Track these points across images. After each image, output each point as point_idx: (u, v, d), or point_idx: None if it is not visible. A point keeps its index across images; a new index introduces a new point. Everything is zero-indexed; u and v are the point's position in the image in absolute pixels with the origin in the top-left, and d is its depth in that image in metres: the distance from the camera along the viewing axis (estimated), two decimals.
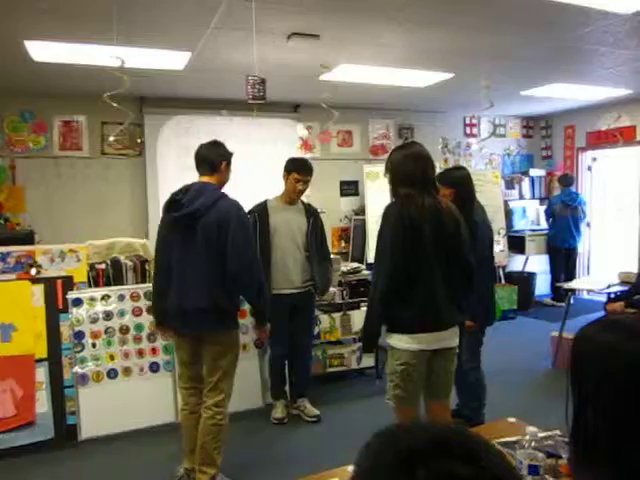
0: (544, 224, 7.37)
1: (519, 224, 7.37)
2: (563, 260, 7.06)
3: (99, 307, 3.62)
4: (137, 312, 3.67)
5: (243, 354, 3.90)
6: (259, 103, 3.45)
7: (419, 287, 2.41)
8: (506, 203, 7.23)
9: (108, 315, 3.63)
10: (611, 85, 5.74)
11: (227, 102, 5.88)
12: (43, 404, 3.46)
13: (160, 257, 2.84)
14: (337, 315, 4.37)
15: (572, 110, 7.35)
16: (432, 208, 2.43)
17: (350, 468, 0.66)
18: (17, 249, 3.61)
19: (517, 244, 7.15)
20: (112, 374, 3.60)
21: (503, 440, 1.67)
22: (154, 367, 3.70)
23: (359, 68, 4.71)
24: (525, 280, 7.07)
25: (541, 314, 6.71)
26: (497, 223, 6.68)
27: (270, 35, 3.74)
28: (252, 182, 5.81)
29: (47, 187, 5.60)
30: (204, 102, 5.97)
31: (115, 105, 3.63)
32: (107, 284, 3.84)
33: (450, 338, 2.52)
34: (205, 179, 2.85)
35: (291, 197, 3.70)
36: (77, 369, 3.54)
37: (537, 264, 7.38)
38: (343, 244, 6.88)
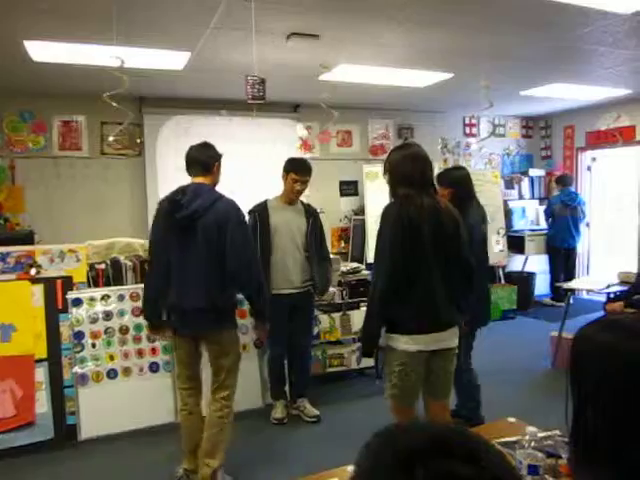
0: (543, 224, 7.37)
1: (518, 224, 7.38)
2: (562, 260, 7.06)
3: (99, 307, 3.62)
4: (137, 312, 3.66)
5: (243, 354, 3.88)
6: (259, 103, 3.45)
7: (418, 287, 2.41)
8: (505, 203, 7.23)
9: (108, 315, 3.63)
10: (610, 85, 5.74)
11: (227, 102, 5.88)
12: (43, 404, 3.46)
13: (158, 257, 2.83)
14: (337, 315, 4.37)
15: (572, 110, 7.35)
16: (431, 208, 2.43)
17: (350, 468, 0.66)
18: (17, 249, 3.61)
19: (517, 244, 7.15)
20: (112, 374, 3.60)
21: (503, 440, 1.67)
22: (154, 367, 3.70)
23: (359, 68, 4.71)
24: (525, 280, 7.07)
25: (540, 314, 6.71)
26: (497, 223, 6.70)
27: (269, 35, 3.74)
28: (252, 182, 5.82)
29: (46, 187, 5.60)
30: (203, 102, 5.97)
31: (115, 105, 3.62)
32: (107, 284, 3.84)
33: (449, 339, 2.52)
34: (199, 180, 2.85)
35: (290, 197, 3.70)
36: (77, 369, 3.53)
37: (537, 264, 7.38)
38: (343, 244, 6.88)
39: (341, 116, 5.19)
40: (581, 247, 7.47)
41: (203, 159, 2.87)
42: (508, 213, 7.21)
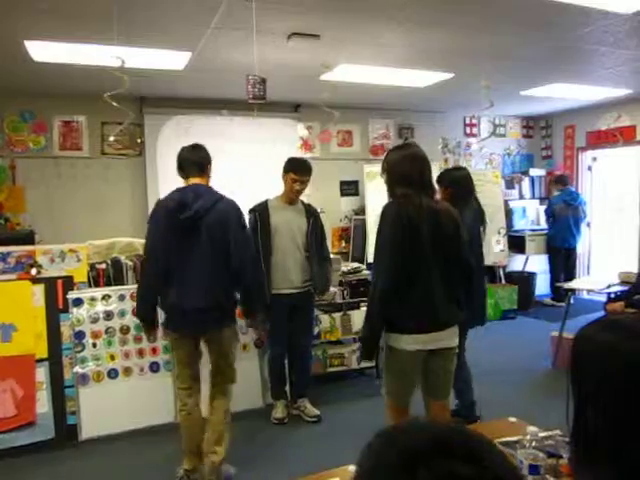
0: (544, 224, 7.37)
1: (519, 224, 7.38)
2: (562, 260, 7.06)
3: (99, 307, 3.62)
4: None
5: (243, 354, 3.92)
6: (259, 103, 3.45)
7: (417, 287, 2.42)
8: (506, 203, 7.23)
9: (108, 315, 3.63)
10: (611, 85, 5.74)
11: (227, 102, 5.88)
12: (43, 404, 3.46)
13: (157, 258, 2.80)
14: (337, 315, 4.37)
15: (572, 110, 7.35)
16: (429, 208, 2.43)
17: (351, 468, 0.67)
18: (17, 249, 3.61)
19: (517, 244, 7.15)
20: (112, 374, 3.61)
21: (504, 440, 1.67)
22: (154, 367, 3.71)
23: (359, 68, 4.72)
24: (525, 280, 7.07)
25: (541, 314, 6.71)
26: (497, 223, 6.69)
27: (270, 35, 3.74)
28: (252, 182, 5.82)
29: (47, 187, 5.60)
30: (204, 102, 5.97)
31: (115, 105, 3.63)
32: (107, 284, 3.84)
33: (449, 338, 2.51)
34: (196, 181, 2.87)
35: (290, 197, 3.70)
36: (77, 369, 3.54)
37: (537, 264, 7.38)
38: (343, 244, 6.88)
39: (342, 116, 5.20)
40: (581, 247, 7.47)
41: (198, 160, 2.91)
42: (509, 213, 7.21)
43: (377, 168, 6.19)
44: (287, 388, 3.95)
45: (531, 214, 7.57)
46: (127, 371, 3.64)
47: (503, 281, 6.95)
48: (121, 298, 3.66)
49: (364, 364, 4.41)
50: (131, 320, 3.66)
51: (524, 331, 6.12)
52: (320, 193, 6.44)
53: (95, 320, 3.60)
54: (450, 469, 0.57)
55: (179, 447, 3.02)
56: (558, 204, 6.97)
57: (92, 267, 3.83)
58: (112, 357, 3.61)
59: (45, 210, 5.53)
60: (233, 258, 2.81)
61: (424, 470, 0.57)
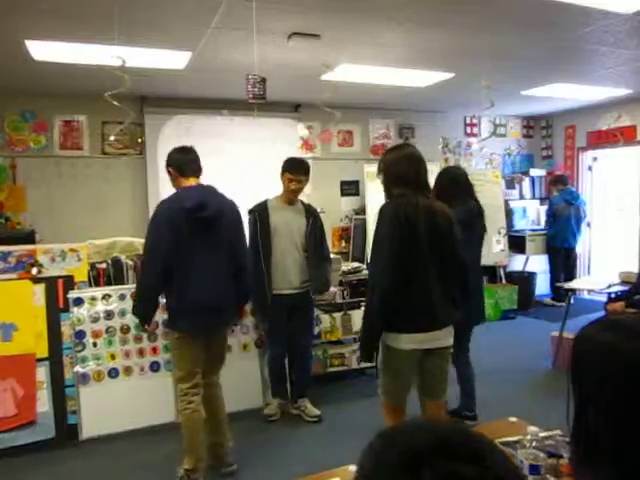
0: (544, 224, 7.36)
1: (519, 224, 7.37)
2: (562, 260, 7.06)
3: (100, 306, 3.62)
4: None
5: (243, 354, 3.93)
6: (259, 103, 3.44)
7: (415, 286, 2.42)
8: (506, 203, 7.23)
9: (109, 314, 3.63)
10: (611, 85, 5.74)
11: (228, 102, 5.88)
12: (44, 403, 3.46)
13: (163, 258, 2.78)
14: (338, 315, 4.37)
15: (572, 110, 7.35)
16: (426, 208, 2.45)
17: (351, 468, 0.67)
18: (18, 248, 3.61)
19: (517, 244, 7.15)
20: (113, 373, 3.61)
21: (504, 440, 1.67)
22: (155, 366, 3.71)
23: (360, 68, 4.71)
24: (525, 280, 7.07)
25: (541, 314, 6.70)
26: (497, 223, 6.69)
27: (271, 35, 3.74)
28: (252, 182, 5.82)
29: (48, 186, 5.61)
30: (205, 102, 5.97)
31: (116, 104, 3.63)
32: (108, 283, 3.84)
33: (445, 337, 2.53)
34: (197, 181, 2.93)
35: (288, 197, 3.70)
36: (78, 368, 3.54)
37: (537, 264, 7.38)
38: (344, 244, 6.88)
39: (342, 116, 5.20)
40: (582, 247, 7.47)
41: (197, 161, 2.97)
42: (509, 213, 7.21)
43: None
44: (288, 388, 3.95)
45: (531, 214, 7.57)
46: (127, 370, 3.64)
47: (503, 281, 6.95)
48: (121, 297, 3.66)
49: (364, 364, 4.41)
50: (131, 320, 3.65)
51: (524, 331, 6.12)
52: (320, 193, 6.45)
53: (95, 319, 3.60)
54: (452, 469, 0.57)
55: (179, 447, 3.02)
56: (559, 203, 6.97)
57: (93, 267, 3.83)
58: (112, 356, 3.62)
59: (46, 209, 5.54)
60: (240, 255, 2.98)
61: (425, 470, 0.57)
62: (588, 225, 7.51)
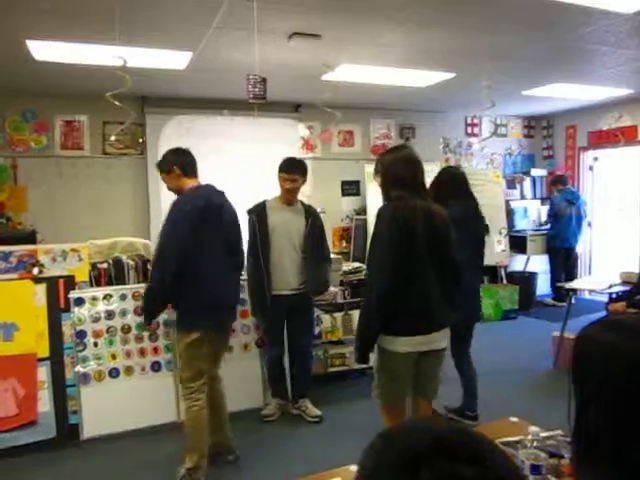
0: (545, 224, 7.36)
1: (520, 224, 7.37)
2: (563, 260, 7.06)
3: (101, 306, 3.62)
4: (139, 311, 3.67)
5: (244, 354, 3.94)
6: (260, 103, 3.45)
7: (413, 288, 2.43)
8: (507, 203, 7.23)
9: (110, 314, 3.63)
10: (612, 85, 5.74)
11: (228, 102, 5.89)
12: (45, 403, 3.46)
13: (185, 258, 2.79)
14: (338, 315, 4.37)
15: (573, 110, 7.34)
16: (424, 210, 2.46)
17: (352, 467, 0.67)
18: (19, 248, 3.61)
19: (518, 244, 7.15)
20: (114, 373, 3.61)
21: (505, 440, 1.67)
22: (156, 366, 3.71)
23: (360, 68, 4.72)
24: (526, 280, 7.06)
25: (542, 314, 6.70)
26: (498, 223, 6.70)
27: (271, 35, 3.74)
28: (253, 182, 5.82)
29: (49, 187, 5.61)
30: (205, 102, 5.97)
31: (117, 103, 3.63)
32: (109, 283, 3.84)
33: (440, 339, 2.55)
34: (197, 182, 3.01)
35: (285, 197, 3.70)
36: (79, 368, 3.54)
37: (538, 264, 7.37)
38: (344, 244, 6.88)
39: (343, 116, 5.20)
40: (583, 247, 7.46)
41: (195, 161, 3.05)
42: (510, 213, 7.20)
43: None
44: (288, 388, 3.95)
45: (532, 214, 7.57)
46: (128, 370, 3.64)
47: (504, 281, 6.95)
48: (122, 297, 3.67)
49: (365, 364, 4.41)
50: (132, 319, 3.67)
51: (525, 331, 6.12)
52: (321, 193, 6.46)
53: (96, 319, 3.60)
54: (452, 470, 0.57)
55: (180, 446, 3.03)
56: (561, 203, 6.96)
57: (94, 267, 3.83)
58: (113, 356, 3.62)
59: (47, 210, 5.54)
60: (240, 253, 3.11)
61: (426, 471, 0.57)
62: (589, 225, 7.51)
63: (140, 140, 5.91)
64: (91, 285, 3.76)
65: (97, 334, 3.59)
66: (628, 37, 4.00)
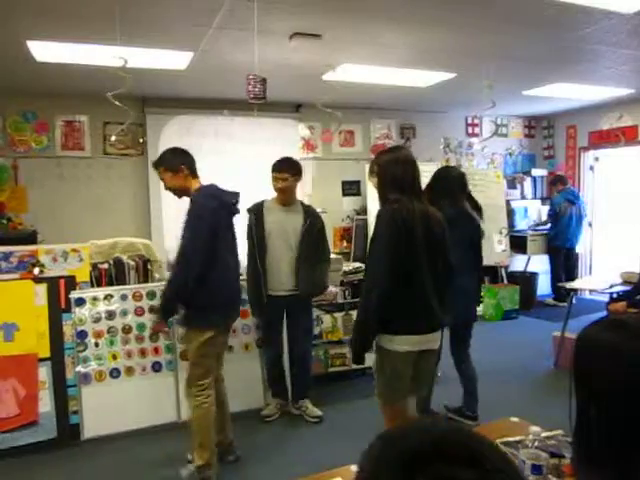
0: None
1: (521, 224, 7.37)
2: (563, 260, 7.05)
3: (102, 307, 3.62)
4: (139, 312, 3.68)
5: (245, 354, 3.94)
6: (259, 103, 3.45)
7: (413, 289, 2.44)
8: (508, 203, 7.23)
9: (111, 315, 3.63)
10: (613, 85, 5.73)
11: (229, 102, 5.88)
12: (46, 403, 3.46)
13: (209, 256, 2.83)
14: (339, 315, 4.37)
15: (574, 110, 7.34)
16: (422, 212, 2.47)
17: (353, 468, 0.66)
18: (20, 249, 3.61)
19: (519, 244, 7.14)
20: (115, 373, 3.61)
21: (506, 440, 1.67)
22: (156, 366, 3.71)
23: (361, 68, 4.71)
24: (527, 280, 7.06)
25: (543, 314, 6.70)
26: (499, 223, 6.70)
27: (272, 35, 3.74)
28: (253, 182, 5.81)
29: (49, 187, 5.61)
30: (206, 102, 5.97)
31: (117, 103, 3.63)
32: (110, 284, 3.84)
33: (436, 340, 2.59)
34: (199, 181, 3.03)
35: (279, 197, 3.71)
36: (80, 368, 3.54)
37: (539, 264, 7.37)
38: (345, 244, 6.88)
39: (343, 116, 5.20)
40: (583, 247, 7.46)
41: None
42: (510, 213, 7.20)
43: None
44: (288, 388, 3.95)
45: (533, 214, 7.56)
46: (129, 370, 3.64)
47: (505, 281, 6.95)
48: (123, 298, 3.67)
49: (365, 364, 4.40)
50: (133, 320, 3.67)
51: (526, 331, 6.12)
52: (322, 193, 6.46)
53: (97, 320, 3.60)
54: (450, 474, 0.56)
55: (181, 446, 3.03)
56: (562, 203, 6.96)
57: (94, 267, 3.83)
58: (114, 356, 3.62)
59: (47, 210, 5.54)
60: (237, 256, 3.14)
61: (425, 474, 0.57)
62: (590, 225, 7.50)
63: (141, 140, 5.91)
64: (92, 285, 3.76)
65: (98, 334, 3.59)
66: (629, 37, 4.00)
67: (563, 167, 7.84)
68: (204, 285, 2.80)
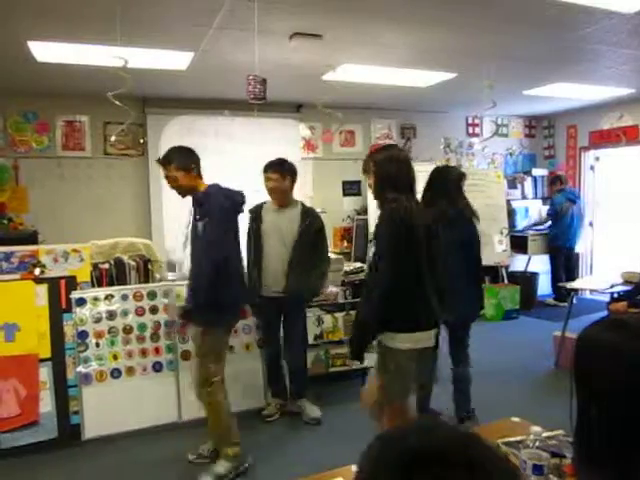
0: (546, 224, 7.35)
1: (521, 224, 7.36)
2: (564, 260, 7.05)
3: (102, 307, 3.62)
4: (140, 312, 3.68)
5: (245, 353, 3.94)
6: (259, 103, 3.45)
7: (414, 287, 2.46)
8: (508, 203, 7.22)
9: (111, 315, 3.64)
10: (613, 84, 5.73)
11: (229, 102, 5.88)
12: (47, 404, 3.47)
13: (226, 255, 2.91)
14: (340, 315, 4.37)
15: (575, 109, 7.33)
16: (418, 211, 2.50)
17: (354, 468, 0.66)
18: (21, 249, 3.61)
19: (519, 244, 7.14)
20: (115, 374, 3.61)
21: (507, 440, 1.67)
22: (157, 367, 3.71)
23: (361, 68, 4.71)
24: (528, 280, 7.06)
25: (543, 314, 6.70)
26: (499, 223, 6.69)
27: (272, 35, 3.74)
28: (253, 182, 5.81)
29: (50, 187, 5.61)
30: (206, 102, 5.97)
31: (118, 103, 3.64)
32: (110, 284, 3.84)
33: (433, 338, 2.60)
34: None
35: (272, 198, 3.74)
36: (80, 369, 3.54)
37: (539, 264, 7.36)
38: (345, 244, 6.88)
39: (344, 116, 5.20)
40: (584, 247, 7.45)
41: None
42: (511, 213, 7.19)
43: None
44: (287, 387, 3.96)
45: (533, 214, 7.56)
46: (130, 371, 3.65)
47: (506, 281, 6.94)
48: (124, 298, 3.67)
49: (366, 364, 4.40)
50: (134, 320, 3.67)
51: (526, 331, 6.12)
52: (322, 193, 6.46)
53: (98, 320, 3.61)
54: (449, 477, 0.56)
55: (182, 446, 3.04)
56: (562, 203, 6.96)
57: (95, 267, 3.83)
58: (115, 357, 3.62)
59: (48, 210, 5.54)
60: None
61: (422, 476, 0.57)
62: (590, 225, 7.50)
63: (141, 140, 5.91)
64: (92, 285, 3.76)
65: (99, 334, 3.60)
66: (629, 37, 4.00)
67: (564, 167, 7.83)
68: (222, 283, 2.86)
